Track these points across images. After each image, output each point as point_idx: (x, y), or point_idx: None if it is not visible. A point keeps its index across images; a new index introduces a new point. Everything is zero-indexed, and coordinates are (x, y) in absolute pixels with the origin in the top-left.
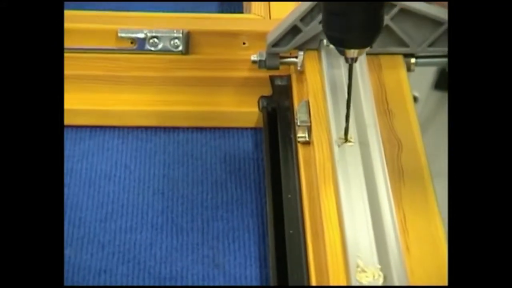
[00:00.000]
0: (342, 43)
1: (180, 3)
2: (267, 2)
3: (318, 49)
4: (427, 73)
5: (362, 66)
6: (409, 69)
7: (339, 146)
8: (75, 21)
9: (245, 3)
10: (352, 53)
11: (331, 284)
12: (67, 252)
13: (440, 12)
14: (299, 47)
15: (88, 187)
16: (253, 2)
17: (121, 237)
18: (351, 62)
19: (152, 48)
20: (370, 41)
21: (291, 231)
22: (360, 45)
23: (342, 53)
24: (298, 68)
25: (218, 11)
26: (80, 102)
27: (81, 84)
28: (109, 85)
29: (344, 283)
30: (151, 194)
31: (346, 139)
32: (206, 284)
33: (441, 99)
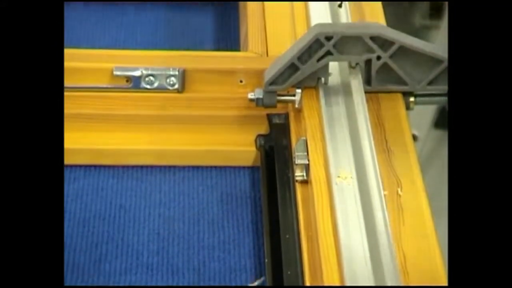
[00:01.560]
0: None
1: (177, 40)
2: (264, 40)
3: (316, 87)
4: (427, 112)
5: (361, 104)
6: (408, 107)
7: (337, 184)
8: (69, 59)
9: (241, 40)
10: None
11: None
12: None
13: (439, 50)
14: (297, 85)
15: (82, 227)
16: (250, 40)
17: (115, 279)
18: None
19: (148, 86)
20: None
21: (289, 272)
22: None
23: None
24: (296, 106)
25: (215, 48)
26: (75, 141)
27: (76, 123)
28: (104, 124)
29: None
30: (147, 234)
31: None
32: None
33: (441, 138)
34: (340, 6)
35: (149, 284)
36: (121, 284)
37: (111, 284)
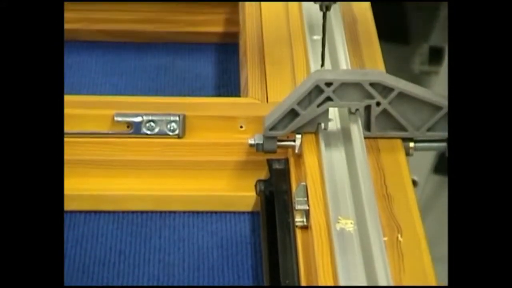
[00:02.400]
0: None
1: (177, 86)
2: (264, 86)
3: (315, 133)
4: (427, 157)
5: (360, 149)
6: (407, 153)
7: (337, 230)
8: (70, 106)
9: (242, 86)
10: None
11: None
12: None
13: (439, 97)
14: (297, 131)
15: (82, 274)
16: (250, 86)
17: None
18: (325, 10)
19: (149, 132)
20: None
21: None
22: None
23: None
24: (296, 151)
25: (215, 94)
26: (75, 188)
27: (76, 169)
28: (104, 170)
29: None
30: (146, 280)
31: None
32: None
33: (441, 183)
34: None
35: None
36: None
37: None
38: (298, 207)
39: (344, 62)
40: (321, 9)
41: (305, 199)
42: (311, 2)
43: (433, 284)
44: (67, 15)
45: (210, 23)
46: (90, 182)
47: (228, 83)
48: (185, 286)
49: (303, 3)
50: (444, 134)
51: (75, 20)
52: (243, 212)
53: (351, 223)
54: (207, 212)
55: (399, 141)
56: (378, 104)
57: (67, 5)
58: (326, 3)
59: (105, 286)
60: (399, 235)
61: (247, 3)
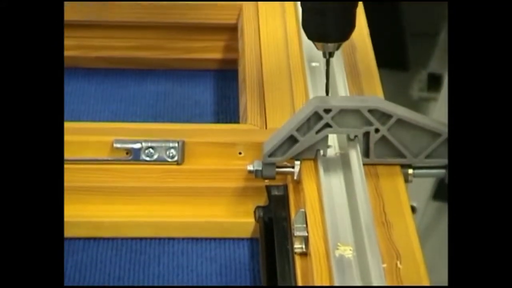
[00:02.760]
0: (319, 38)
1: (176, 113)
2: (263, 112)
3: (314, 159)
4: (426, 183)
5: (359, 176)
6: (406, 180)
7: (336, 256)
8: (70, 133)
9: (241, 113)
10: (328, 47)
11: None
12: None
13: (437, 123)
14: (296, 157)
15: None
16: (249, 112)
17: None
18: (328, 57)
19: (148, 158)
20: (345, 37)
21: None
22: (336, 40)
23: (320, 47)
24: (295, 177)
25: (214, 121)
26: (73, 214)
27: (74, 195)
28: (103, 196)
29: None
30: None
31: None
32: None
33: (440, 209)
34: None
35: None
36: None
37: None
38: (297, 233)
39: (343, 89)
40: (324, 55)
41: (304, 225)
42: None
43: None
44: (66, 42)
45: (209, 49)
46: (89, 209)
47: (227, 110)
48: (185, 286)
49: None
50: (443, 160)
51: (74, 47)
52: (242, 239)
53: (350, 249)
54: (206, 239)
55: (398, 167)
56: (376, 130)
57: (66, 33)
58: (330, 49)
59: (105, 286)
60: (398, 262)
61: (246, 30)
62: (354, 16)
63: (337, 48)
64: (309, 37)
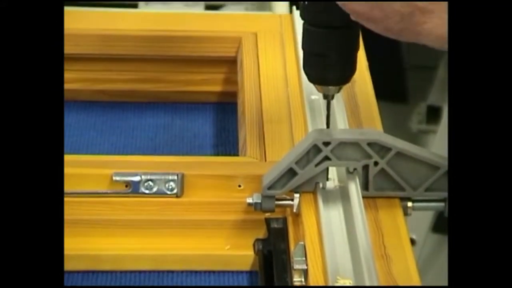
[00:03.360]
0: (320, 81)
1: (176, 145)
2: (262, 145)
3: (314, 192)
4: (425, 215)
5: (359, 209)
6: (405, 213)
7: None
8: (69, 165)
9: (240, 145)
10: (329, 90)
11: None
12: None
13: (437, 156)
14: (295, 190)
15: None
16: (248, 145)
17: None
18: (329, 99)
19: (147, 191)
20: (346, 80)
21: None
22: (337, 83)
23: (321, 90)
24: (294, 210)
25: (214, 153)
26: (73, 247)
27: (75, 228)
28: (102, 229)
29: None
30: None
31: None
32: None
33: (439, 242)
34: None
35: None
36: None
37: None
38: (296, 266)
39: (342, 122)
40: (324, 97)
41: (304, 258)
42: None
43: None
44: (66, 75)
45: (209, 82)
46: (88, 242)
47: (226, 142)
48: (185, 286)
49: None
50: (442, 194)
51: (74, 80)
52: (242, 272)
53: (350, 282)
54: (205, 272)
55: (397, 201)
56: (376, 163)
57: (66, 66)
58: (331, 92)
59: (105, 286)
60: None
61: (245, 62)
62: (355, 60)
63: (338, 91)
64: (310, 80)
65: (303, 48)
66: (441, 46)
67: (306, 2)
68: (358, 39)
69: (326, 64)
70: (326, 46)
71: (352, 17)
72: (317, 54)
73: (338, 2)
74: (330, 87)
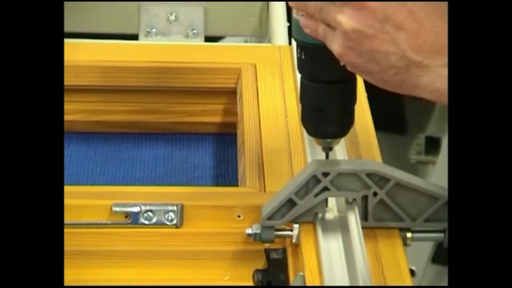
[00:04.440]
0: (318, 135)
1: (175, 176)
2: (261, 175)
3: (313, 222)
4: (425, 246)
5: (358, 240)
6: (405, 244)
7: None
8: (69, 196)
9: (239, 176)
10: (328, 143)
11: None
12: None
13: (436, 187)
14: (294, 220)
15: None
16: (247, 176)
17: None
18: (327, 152)
19: (146, 222)
20: (344, 133)
21: None
22: (336, 136)
23: (319, 143)
24: (294, 241)
25: (213, 184)
26: (72, 279)
27: (73, 260)
28: (101, 260)
29: None
30: None
31: None
32: None
33: (439, 272)
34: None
35: None
36: None
37: None
38: None
39: (341, 153)
40: (323, 150)
41: None
42: None
43: None
44: (66, 107)
45: (208, 113)
46: (88, 273)
47: (226, 173)
48: (185, 286)
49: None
50: (442, 224)
51: (73, 111)
52: None
53: None
54: None
55: (396, 230)
56: (375, 194)
57: (65, 97)
58: (331, 144)
59: (104, 286)
60: None
61: (244, 93)
62: (353, 113)
63: (337, 144)
64: (309, 134)
65: (301, 102)
66: (437, 99)
67: (303, 57)
68: (356, 92)
69: (325, 118)
70: (324, 101)
71: (349, 69)
72: (315, 109)
73: (336, 54)
74: (329, 140)
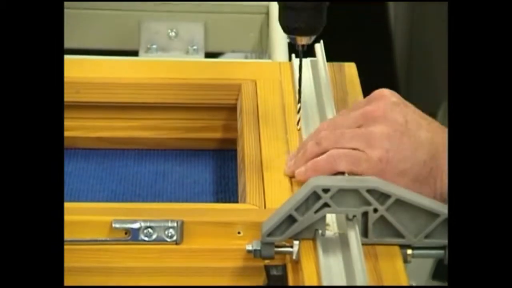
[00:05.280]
0: (292, 32)
1: (175, 192)
2: (262, 192)
3: (313, 239)
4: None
5: (358, 256)
6: (405, 260)
7: None
8: (69, 213)
9: (240, 192)
10: (301, 40)
11: None
12: None
13: (436, 204)
14: (294, 237)
15: None
16: (248, 192)
17: None
18: (301, 49)
19: (146, 238)
20: (316, 31)
21: None
22: (307, 34)
23: (294, 40)
24: (294, 257)
25: (213, 200)
26: None
27: (73, 276)
28: (102, 277)
29: None
30: None
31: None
32: None
33: None
34: None
35: None
36: None
37: None
38: None
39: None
40: (296, 47)
41: None
42: (310, 113)
43: None
44: (65, 123)
45: (208, 129)
46: None
47: (226, 189)
48: (185, 286)
49: (302, 111)
50: (442, 241)
51: (73, 128)
52: None
53: None
54: None
55: (397, 247)
56: (375, 210)
57: (65, 114)
58: (303, 42)
59: (104, 286)
60: None
61: (244, 109)
62: (325, 13)
63: (310, 41)
64: (284, 31)
65: (278, 3)
66: None
67: None
68: None
69: (296, 16)
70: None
71: None
72: (288, 7)
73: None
74: (303, 37)
